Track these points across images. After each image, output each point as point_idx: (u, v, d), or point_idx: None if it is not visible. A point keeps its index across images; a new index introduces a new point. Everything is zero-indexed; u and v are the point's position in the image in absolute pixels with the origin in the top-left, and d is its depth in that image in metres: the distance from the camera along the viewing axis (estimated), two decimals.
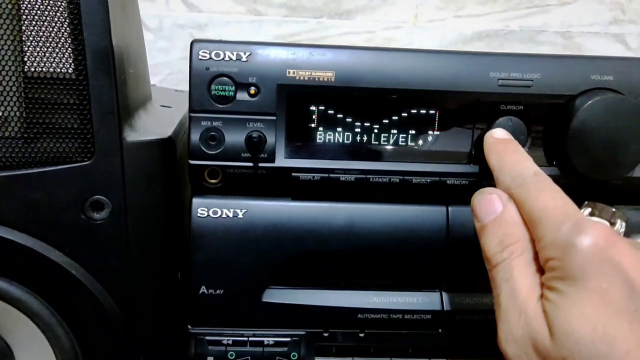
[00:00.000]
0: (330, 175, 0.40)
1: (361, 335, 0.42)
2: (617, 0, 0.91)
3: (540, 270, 0.32)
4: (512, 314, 0.31)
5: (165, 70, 0.88)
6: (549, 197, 0.32)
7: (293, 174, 0.40)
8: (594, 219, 0.34)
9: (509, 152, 0.37)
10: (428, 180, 0.41)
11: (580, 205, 0.34)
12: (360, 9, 0.90)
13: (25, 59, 0.37)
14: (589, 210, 0.35)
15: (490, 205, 0.35)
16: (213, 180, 0.41)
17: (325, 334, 0.42)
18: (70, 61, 0.37)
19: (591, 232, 0.29)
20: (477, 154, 0.41)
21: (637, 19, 0.92)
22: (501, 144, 0.38)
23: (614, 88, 0.40)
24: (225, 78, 0.39)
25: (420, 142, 0.41)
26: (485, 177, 0.39)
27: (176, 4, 0.88)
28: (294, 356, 0.41)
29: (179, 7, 0.88)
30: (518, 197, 0.34)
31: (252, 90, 0.39)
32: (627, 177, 0.40)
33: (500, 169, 0.36)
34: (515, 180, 0.35)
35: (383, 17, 0.90)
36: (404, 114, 0.40)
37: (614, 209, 0.34)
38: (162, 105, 0.54)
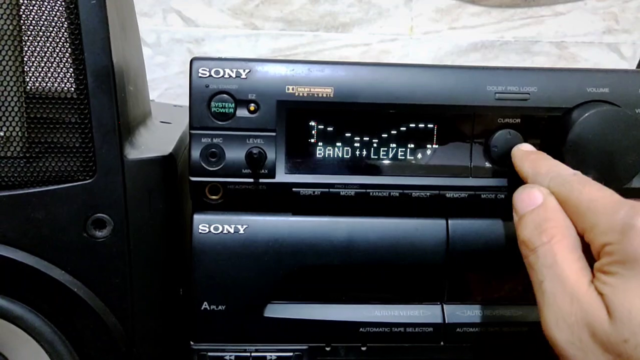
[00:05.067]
0: (331, 190, 0.41)
1: (363, 349, 0.42)
2: (610, 10, 0.92)
3: (587, 257, 0.32)
4: (562, 299, 0.31)
5: (164, 85, 0.89)
6: (595, 189, 0.32)
7: (293, 189, 0.40)
8: None
9: (542, 159, 0.38)
10: (427, 194, 0.41)
11: None
12: (356, 22, 0.90)
13: (27, 79, 0.37)
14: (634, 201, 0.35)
15: (530, 197, 0.35)
16: (214, 197, 0.41)
17: (328, 348, 0.42)
18: (71, 80, 0.37)
19: None
20: (477, 167, 0.41)
21: (630, 29, 0.93)
22: (533, 153, 0.39)
23: (610, 100, 0.40)
24: (225, 95, 0.39)
25: (419, 156, 0.41)
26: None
27: (174, 19, 0.88)
28: None
29: (177, 22, 0.88)
30: (560, 194, 0.34)
31: (252, 106, 0.39)
32: (624, 188, 0.40)
33: (536, 173, 0.36)
34: (554, 180, 0.35)
35: (379, 29, 0.91)
36: (403, 129, 0.41)
37: None
38: (161, 121, 0.55)
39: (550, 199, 0.34)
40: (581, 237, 0.33)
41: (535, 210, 0.34)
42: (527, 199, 0.35)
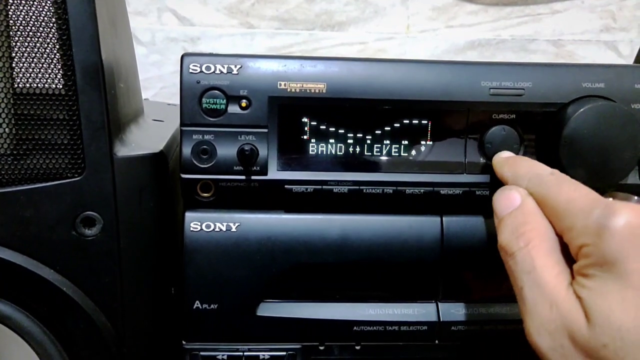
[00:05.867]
0: (323, 187, 0.40)
1: (357, 347, 0.42)
2: (607, 8, 0.92)
3: (566, 260, 0.31)
4: (542, 306, 0.30)
5: (159, 84, 0.88)
6: (572, 189, 0.32)
7: (286, 186, 0.40)
8: None
9: (521, 161, 0.38)
10: (422, 191, 0.41)
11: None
12: (352, 21, 0.90)
13: (15, 75, 0.37)
14: (611, 199, 0.35)
15: (508, 199, 0.34)
16: (205, 194, 0.40)
17: (321, 347, 0.42)
18: (60, 77, 0.37)
19: (624, 212, 0.28)
20: (472, 163, 0.41)
21: (627, 26, 0.93)
22: (512, 158, 0.39)
23: (605, 95, 0.40)
24: (216, 91, 0.39)
25: (413, 152, 0.41)
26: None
27: (169, 17, 0.88)
28: None
29: (172, 20, 0.88)
30: (538, 195, 0.33)
31: (244, 102, 0.39)
32: (620, 184, 0.40)
33: (515, 176, 0.36)
34: (532, 180, 0.34)
35: (375, 28, 0.91)
36: (396, 125, 0.40)
37: (636, 197, 0.34)
38: (154, 119, 0.54)
39: (528, 200, 0.34)
40: (560, 237, 0.32)
41: (513, 213, 0.34)
42: (505, 200, 0.35)
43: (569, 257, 0.32)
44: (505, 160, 0.39)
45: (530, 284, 0.31)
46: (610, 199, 0.34)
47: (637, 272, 0.27)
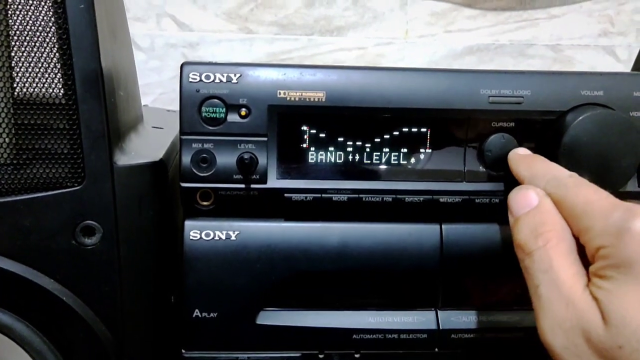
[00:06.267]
0: (323, 195, 0.40)
1: (357, 356, 0.42)
2: (605, 13, 0.92)
3: (583, 261, 0.31)
4: (557, 305, 0.30)
5: (158, 90, 0.88)
6: (591, 192, 0.32)
7: (285, 194, 0.40)
8: None
9: (539, 161, 0.37)
10: (421, 199, 0.41)
11: None
12: (351, 26, 0.90)
13: (15, 84, 0.37)
14: (631, 203, 0.35)
15: (525, 199, 0.34)
16: (205, 203, 0.40)
17: (321, 356, 0.42)
18: (60, 85, 0.37)
19: None
20: (471, 172, 0.41)
21: (625, 31, 0.93)
22: (529, 156, 0.39)
23: (604, 103, 0.40)
24: (215, 100, 0.39)
25: (413, 160, 0.41)
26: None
27: (168, 23, 0.88)
28: None
29: (171, 26, 0.88)
30: (556, 196, 0.33)
31: (243, 111, 0.39)
32: (619, 191, 0.40)
33: (532, 176, 0.36)
34: (550, 182, 0.34)
35: (374, 33, 0.91)
36: (396, 133, 0.40)
37: None
38: (153, 127, 0.54)
39: (546, 200, 0.34)
40: (577, 239, 0.32)
41: (531, 213, 0.34)
42: (522, 200, 0.35)
43: (585, 259, 0.32)
44: (522, 158, 0.38)
45: (546, 283, 0.31)
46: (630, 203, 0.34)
47: None
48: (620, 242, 0.29)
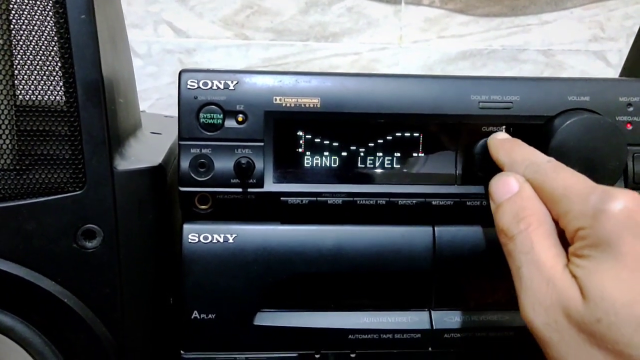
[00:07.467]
0: (318, 198, 0.41)
1: (352, 355, 0.42)
2: (596, 18, 0.94)
3: (562, 243, 0.32)
4: (538, 284, 0.31)
5: (155, 95, 0.89)
6: (569, 176, 0.33)
7: (282, 198, 0.41)
8: None
9: (518, 146, 0.38)
10: (414, 202, 0.42)
11: None
12: (346, 32, 0.91)
13: (17, 91, 0.37)
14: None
15: (506, 186, 0.35)
16: (203, 206, 0.41)
17: (317, 356, 0.42)
18: (61, 93, 0.38)
19: (621, 196, 0.29)
20: (462, 175, 0.42)
21: (616, 36, 0.95)
22: (507, 141, 0.39)
23: (590, 108, 0.41)
24: (213, 106, 0.40)
25: (406, 164, 0.42)
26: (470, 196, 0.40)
27: (164, 29, 0.89)
28: None
29: (168, 32, 0.89)
30: (535, 182, 0.34)
31: (240, 117, 0.40)
32: None
33: (511, 162, 0.37)
34: (529, 167, 0.35)
35: (368, 38, 0.92)
36: (389, 138, 0.41)
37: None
38: (152, 132, 0.55)
39: (525, 186, 0.35)
40: (556, 222, 0.33)
41: (512, 199, 0.35)
42: (503, 187, 0.35)
43: (564, 242, 0.33)
44: (501, 143, 0.39)
45: (528, 264, 0.32)
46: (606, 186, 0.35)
47: (632, 253, 0.28)
48: (597, 222, 0.30)
